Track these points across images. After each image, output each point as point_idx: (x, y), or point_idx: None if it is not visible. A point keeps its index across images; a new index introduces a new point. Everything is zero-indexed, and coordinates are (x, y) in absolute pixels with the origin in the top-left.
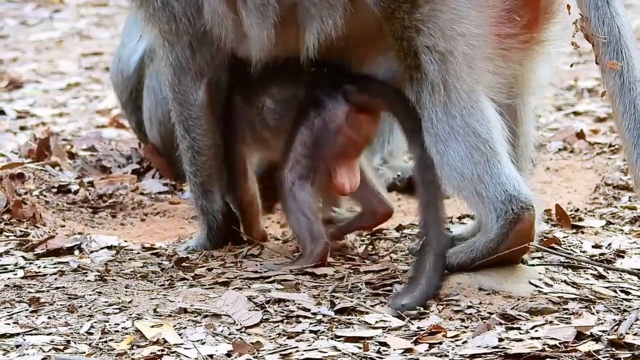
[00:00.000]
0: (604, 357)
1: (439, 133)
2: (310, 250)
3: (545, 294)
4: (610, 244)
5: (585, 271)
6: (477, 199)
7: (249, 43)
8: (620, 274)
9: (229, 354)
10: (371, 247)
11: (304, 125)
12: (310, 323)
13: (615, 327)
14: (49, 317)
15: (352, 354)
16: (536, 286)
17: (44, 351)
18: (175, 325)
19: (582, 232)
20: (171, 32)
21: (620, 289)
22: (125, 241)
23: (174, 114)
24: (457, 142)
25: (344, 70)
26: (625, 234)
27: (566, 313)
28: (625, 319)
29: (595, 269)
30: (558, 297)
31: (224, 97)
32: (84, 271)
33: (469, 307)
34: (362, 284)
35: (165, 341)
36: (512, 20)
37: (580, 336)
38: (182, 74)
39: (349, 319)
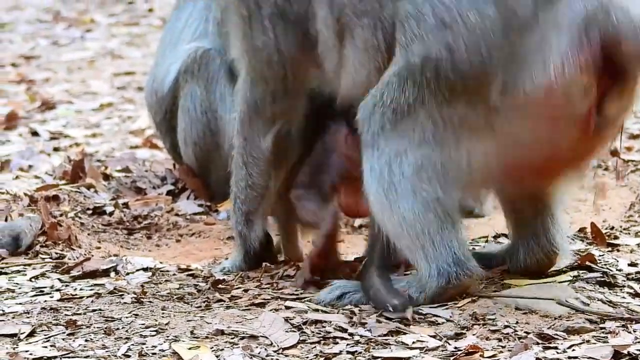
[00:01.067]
0: None
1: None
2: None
3: (582, 312)
4: None
5: (621, 289)
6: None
7: (343, 79)
8: None
9: None
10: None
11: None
12: (348, 344)
13: None
14: (86, 340)
15: None
16: (573, 305)
17: None
18: (212, 347)
19: (618, 250)
20: (262, 73)
21: None
22: (161, 262)
23: (236, 143)
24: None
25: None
26: None
27: (603, 332)
28: None
29: (632, 287)
30: (595, 316)
31: (289, 148)
32: (120, 293)
33: (506, 326)
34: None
35: None
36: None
37: (617, 355)
38: (256, 115)
39: (386, 340)
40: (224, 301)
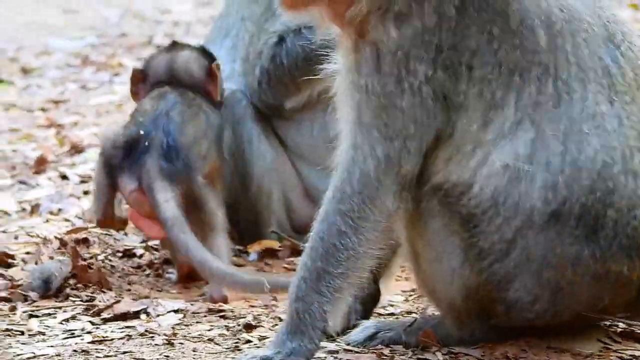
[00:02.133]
0: None
1: None
2: None
3: (615, 351)
4: None
5: None
6: None
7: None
8: None
9: None
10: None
11: None
12: None
13: None
14: None
15: None
16: (604, 343)
17: None
18: None
19: None
20: (400, 131)
21: None
22: (192, 304)
23: (345, 198)
24: None
25: None
26: None
27: None
28: None
29: None
30: (626, 354)
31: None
32: (151, 335)
33: None
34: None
35: None
36: None
37: None
38: (381, 172)
39: None
40: (254, 342)
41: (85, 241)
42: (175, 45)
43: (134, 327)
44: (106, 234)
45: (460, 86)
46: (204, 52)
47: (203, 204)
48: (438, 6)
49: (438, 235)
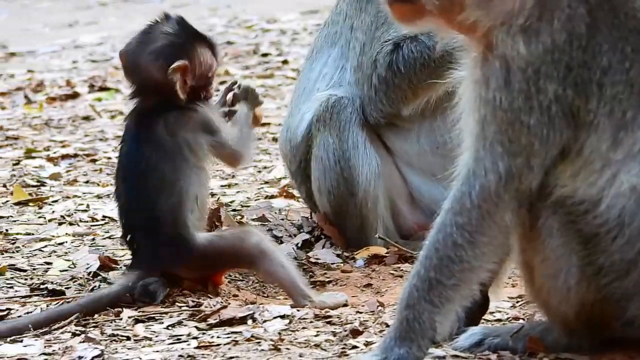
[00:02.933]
0: None
1: None
2: None
3: None
4: None
5: None
6: None
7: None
8: None
9: None
10: None
11: None
12: None
13: None
14: None
15: None
16: None
17: None
18: None
19: None
20: (525, 147)
21: None
22: (298, 310)
23: (463, 211)
24: None
25: None
26: None
27: None
28: None
29: None
30: None
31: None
32: (257, 340)
33: None
34: None
35: None
36: None
37: None
38: (501, 188)
39: None
40: (360, 348)
41: None
42: (143, 37)
43: (240, 332)
44: None
45: (591, 105)
46: (167, 49)
47: None
48: (567, 23)
49: (556, 251)
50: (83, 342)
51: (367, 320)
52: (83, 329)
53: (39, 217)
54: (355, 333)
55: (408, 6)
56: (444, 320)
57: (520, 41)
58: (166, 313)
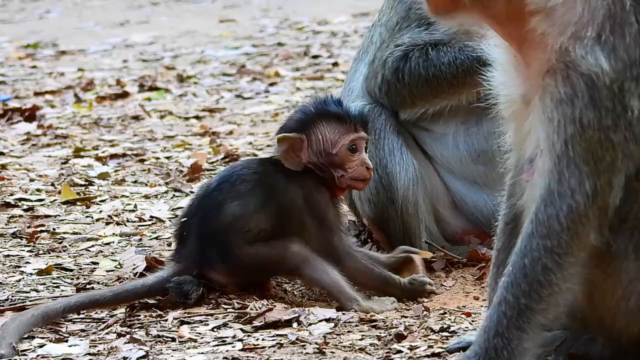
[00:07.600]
0: None
1: None
2: None
3: None
4: None
5: None
6: None
7: None
8: None
9: None
10: None
11: None
12: None
13: None
14: None
15: None
16: None
17: None
18: None
19: None
20: (608, 165)
21: None
22: (344, 313)
23: (552, 234)
24: None
25: None
26: None
27: None
28: None
29: None
30: None
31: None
32: (302, 344)
33: None
34: None
35: None
36: None
37: None
38: (589, 208)
39: None
40: (404, 352)
41: None
42: None
43: (285, 335)
44: None
45: None
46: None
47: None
48: (638, 37)
49: (629, 273)
50: (128, 342)
51: (412, 325)
52: (128, 329)
53: (87, 217)
54: (400, 337)
55: None
56: (532, 346)
57: (602, 57)
58: (211, 315)
